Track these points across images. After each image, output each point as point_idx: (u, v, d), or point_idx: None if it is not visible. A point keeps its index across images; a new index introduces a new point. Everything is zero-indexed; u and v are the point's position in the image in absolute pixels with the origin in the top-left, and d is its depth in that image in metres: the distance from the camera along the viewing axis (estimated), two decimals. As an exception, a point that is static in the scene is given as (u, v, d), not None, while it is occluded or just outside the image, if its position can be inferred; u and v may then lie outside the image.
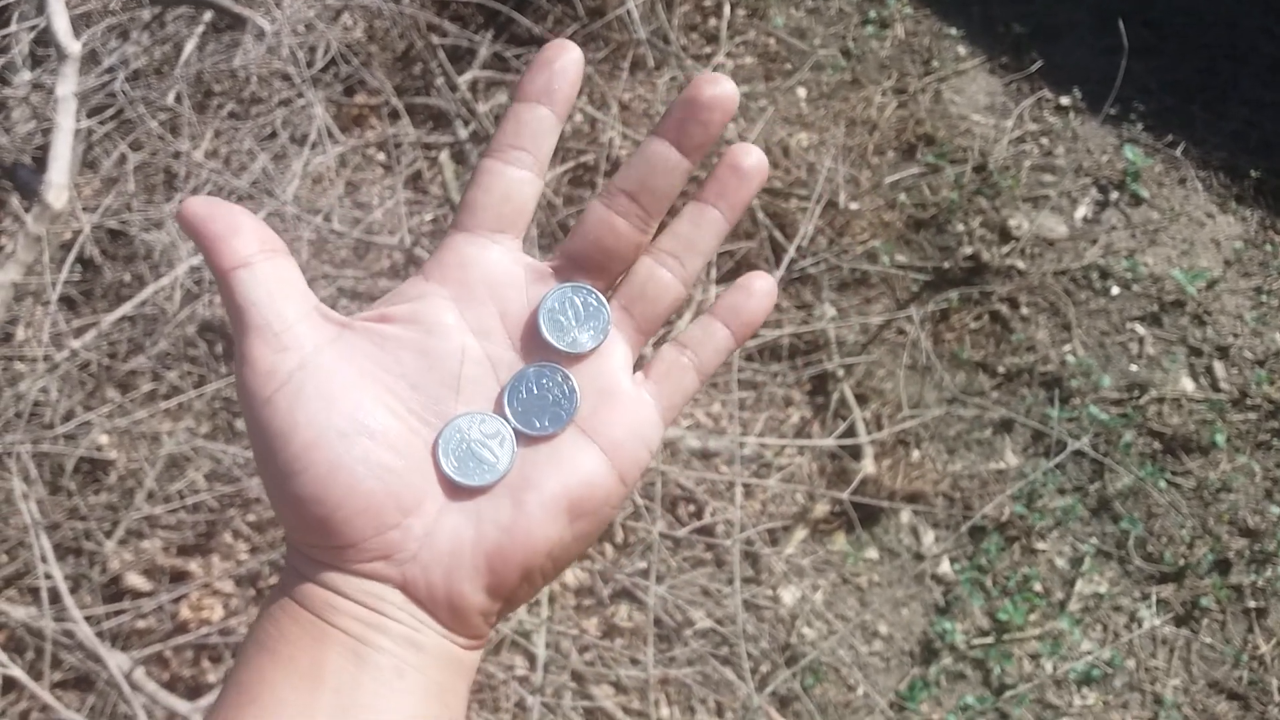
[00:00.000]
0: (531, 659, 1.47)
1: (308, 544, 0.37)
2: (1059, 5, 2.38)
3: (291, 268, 0.38)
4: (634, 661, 1.52)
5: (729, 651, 1.58)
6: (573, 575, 1.62)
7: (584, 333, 0.40)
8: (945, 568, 1.74)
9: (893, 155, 2.16)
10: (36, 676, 1.26)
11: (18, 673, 1.19)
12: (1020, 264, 1.99)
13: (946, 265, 2.00)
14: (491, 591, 0.37)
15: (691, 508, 1.72)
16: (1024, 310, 1.96)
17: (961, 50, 2.33)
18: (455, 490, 0.38)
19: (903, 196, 2.08)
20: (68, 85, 1.48)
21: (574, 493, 0.38)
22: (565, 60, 0.39)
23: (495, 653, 1.51)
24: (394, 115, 2.06)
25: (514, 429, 0.38)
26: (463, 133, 2.03)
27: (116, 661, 1.20)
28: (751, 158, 0.41)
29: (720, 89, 0.39)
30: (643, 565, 1.58)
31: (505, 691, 1.44)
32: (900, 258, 2.02)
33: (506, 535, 0.37)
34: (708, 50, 2.28)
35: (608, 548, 1.66)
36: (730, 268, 1.95)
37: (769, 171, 0.41)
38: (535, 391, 0.39)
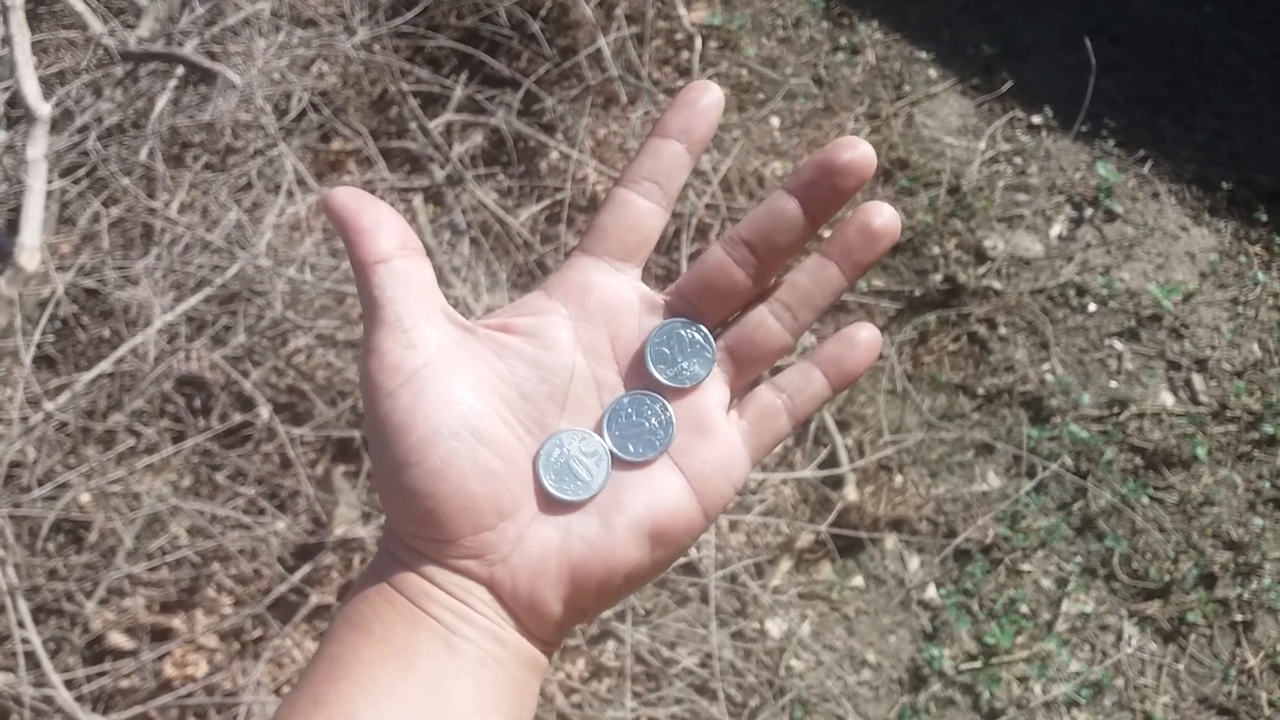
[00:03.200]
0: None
1: (410, 534, 0.38)
2: (1027, 25, 2.40)
3: (426, 268, 0.40)
4: (611, 704, 1.52)
5: (718, 688, 1.58)
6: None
7: (687, 367, 0.41)
8: (931, 593, 1.74)
9: (867, 180, 2.17)
10: (18, 742, 1.26)
11: (-2, 739, 1.19)
12: (997, 284, 2.00)
13: (923, 289, 2.00)
14: (568, 602, 0.39)
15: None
16: (1002, 330, 1.97)
17: (932, 73, 2.35)
18: (549, 503, 0.39)
19: (878, 221, 2.09)
20: (38, 148, 1.50)
21: (658, 520, 0.39)
22: (707, 101, 0.41)
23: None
24: (369, 160, 2.07)
25: (610, 451, 0.40)
26: (438, 175, 2.05)
27: (97, 725, 1.20)
28: (882, 217, 0.40)
29: (858, 153, 0.39)
30: (633, 604, 1.58)
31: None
32: (877, 282, 2.03)
33: (591, 551, 0.39)
34: (680, 84, 2.30)
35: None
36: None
37: (898, 232, 0.41)
38: (634, 418, 0.41)
